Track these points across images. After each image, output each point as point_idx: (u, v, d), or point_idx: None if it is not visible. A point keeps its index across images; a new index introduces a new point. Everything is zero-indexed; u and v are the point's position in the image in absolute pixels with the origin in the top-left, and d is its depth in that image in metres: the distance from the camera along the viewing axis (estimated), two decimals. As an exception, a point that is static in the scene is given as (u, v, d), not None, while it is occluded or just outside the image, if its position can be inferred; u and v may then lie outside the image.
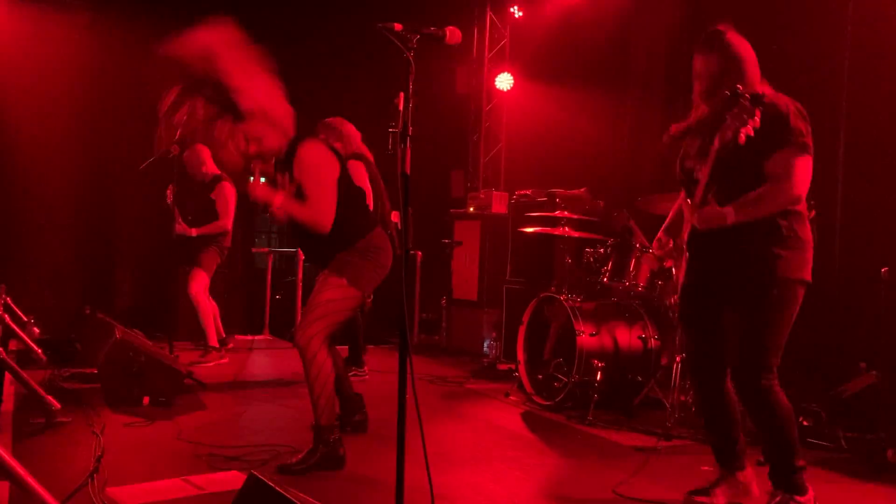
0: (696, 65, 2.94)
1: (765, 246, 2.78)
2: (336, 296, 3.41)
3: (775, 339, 2.79)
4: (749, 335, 2.82)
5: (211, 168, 6.22)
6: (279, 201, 3.35)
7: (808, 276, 2.83)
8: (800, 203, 2.81)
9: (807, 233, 2.86)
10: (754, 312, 2.80)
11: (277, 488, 1.85)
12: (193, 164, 6.18)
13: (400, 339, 2.33)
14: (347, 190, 3.51)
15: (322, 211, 3.37)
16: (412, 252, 7.38)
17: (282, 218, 3.41)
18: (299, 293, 7.28)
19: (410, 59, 2.28)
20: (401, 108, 2.22)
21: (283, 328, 7.68)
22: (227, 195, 6.11)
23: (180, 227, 5.94)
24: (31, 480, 2.32)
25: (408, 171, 2.22)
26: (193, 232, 5.96)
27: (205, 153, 6.19)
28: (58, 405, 4.03)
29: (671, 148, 3.16)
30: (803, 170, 2.72)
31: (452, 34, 2.46)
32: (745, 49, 2.87)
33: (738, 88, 2.51)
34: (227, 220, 6.09)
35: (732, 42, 2.86)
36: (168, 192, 5.92)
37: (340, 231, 3.43)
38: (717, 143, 2.64)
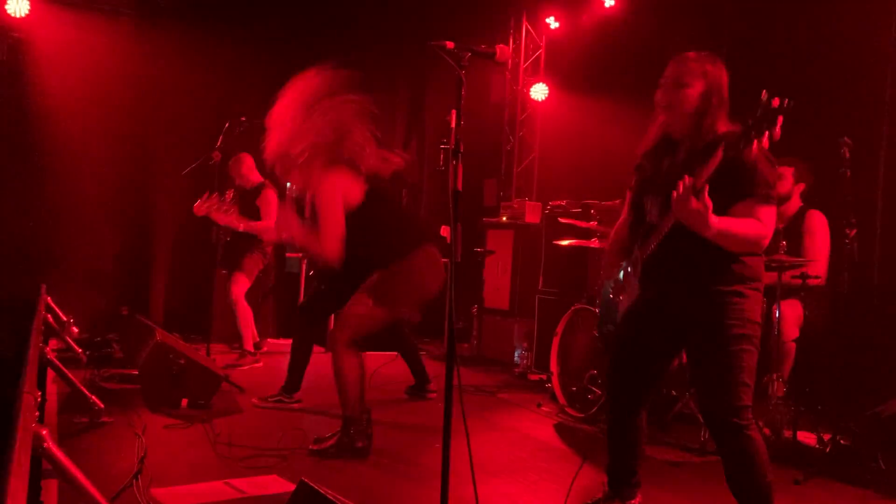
0: (672, 72, 2.74)
1: (731, 285, 2.64)
2: (362, 312, 3.77)
3: (748, 379, 2.62)
4: (720, 378, 2.62)
5: (255, 175, 6.33)
6: None
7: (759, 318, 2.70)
8: (762, 247, 2.63)
9: (763, 275, 2.73)
10: (722, 355, 2.61)
11: (328, 495, 1.89)
12: (238, 171, 6.29)
13: (447, 349, 2.36)
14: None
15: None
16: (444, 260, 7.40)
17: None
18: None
19: (462, 77, 2.32)
20: (453, 124, 2.26)
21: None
22: (271, 200, 6.20)
23: (232, 214, 5.82)
24: (83, 479, 2.38)
25: (459, 188, 2.26)
26: (241, 226, 5.84)
27: (249, 161, 6.32)
28: (101, 405, 4.13)
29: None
30: (768, 217, 2.57)
31: (502, 52, 2.52)
32: (725, 82, 2.72)
33: (764, 97, 2.24)
34: (272, 222, 6.14)
35: (719, 72, 2.71)
36: (229, 193, 6.01)
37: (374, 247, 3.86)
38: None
